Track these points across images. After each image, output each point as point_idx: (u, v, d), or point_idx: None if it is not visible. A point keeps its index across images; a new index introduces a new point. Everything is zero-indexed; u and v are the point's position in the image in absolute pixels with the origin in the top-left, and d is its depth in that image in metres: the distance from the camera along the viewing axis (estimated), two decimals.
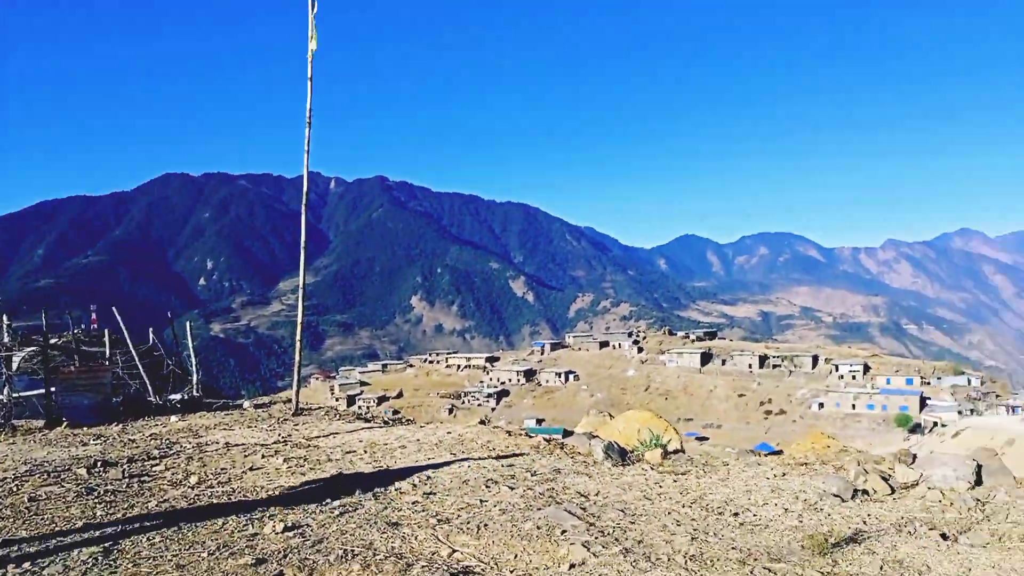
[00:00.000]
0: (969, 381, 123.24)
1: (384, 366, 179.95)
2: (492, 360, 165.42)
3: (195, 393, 14.33)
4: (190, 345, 16.10)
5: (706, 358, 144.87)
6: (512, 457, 8.13)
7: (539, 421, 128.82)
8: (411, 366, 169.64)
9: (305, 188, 12.07)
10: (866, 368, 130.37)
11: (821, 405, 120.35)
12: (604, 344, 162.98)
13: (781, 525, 5.46)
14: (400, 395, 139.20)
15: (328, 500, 6.19)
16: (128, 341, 14.61)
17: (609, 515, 5.59)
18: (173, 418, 11.54)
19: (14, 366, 12.62)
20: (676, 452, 8.57)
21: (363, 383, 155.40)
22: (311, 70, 11.95)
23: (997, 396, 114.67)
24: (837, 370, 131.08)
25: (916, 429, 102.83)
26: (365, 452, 8.45)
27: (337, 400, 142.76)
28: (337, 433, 10.04)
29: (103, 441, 9.62)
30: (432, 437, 9.34)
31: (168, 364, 14.24)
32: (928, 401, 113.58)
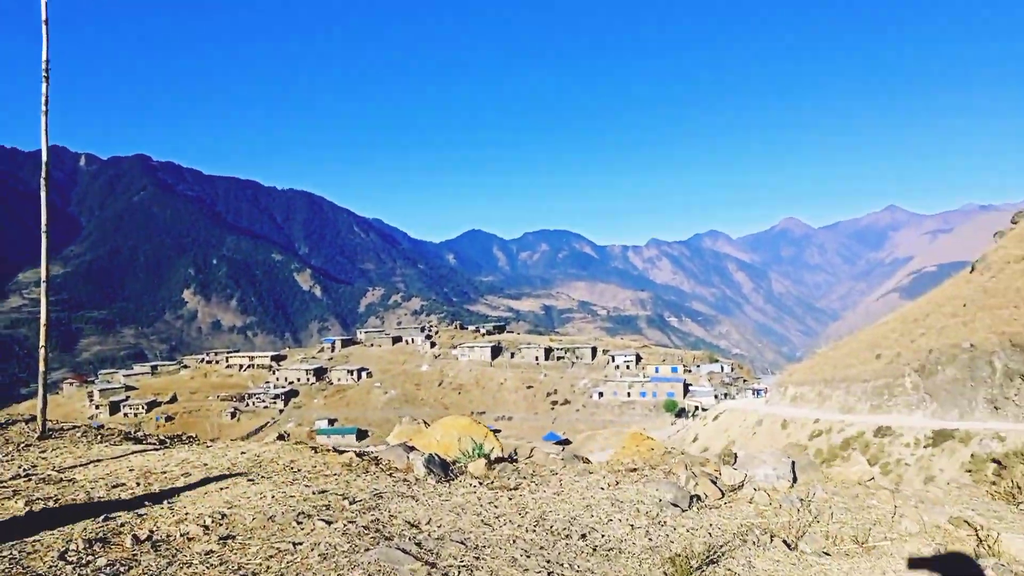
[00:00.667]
0: (722, 368, 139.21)
1: (154, 368, 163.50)
2: (278, 359, 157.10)
3: None
4: None
5: (496, 351, 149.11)
6: (322, 479, 7.14)
7: (331, 421, 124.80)
8: (186, 367, 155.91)
9: (44, 157, 9.76)
10: (638, 358, 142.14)
11: (601, 394, 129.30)
12: (397, 340, 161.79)
13: (634, 546, 5.13)
14: (174, 399, 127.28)
15: (90, 557, 4.84)
16: None
17: (449, 550, 4.89)
18: None
19: None
20: (499, 461, 8.10)
21: (129, 387, 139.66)
22: (46, 11, 9.70)
23: (744, 381, 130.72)
24: (614, 361, 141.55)
25: (681, 413, 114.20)
26: (138, 484, 6.95)
27: (98, 408, 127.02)
28: (100, 460, 8.26)
29: None
30: (222, 460, 7.98)
31: None
32: (690, 387, 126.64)
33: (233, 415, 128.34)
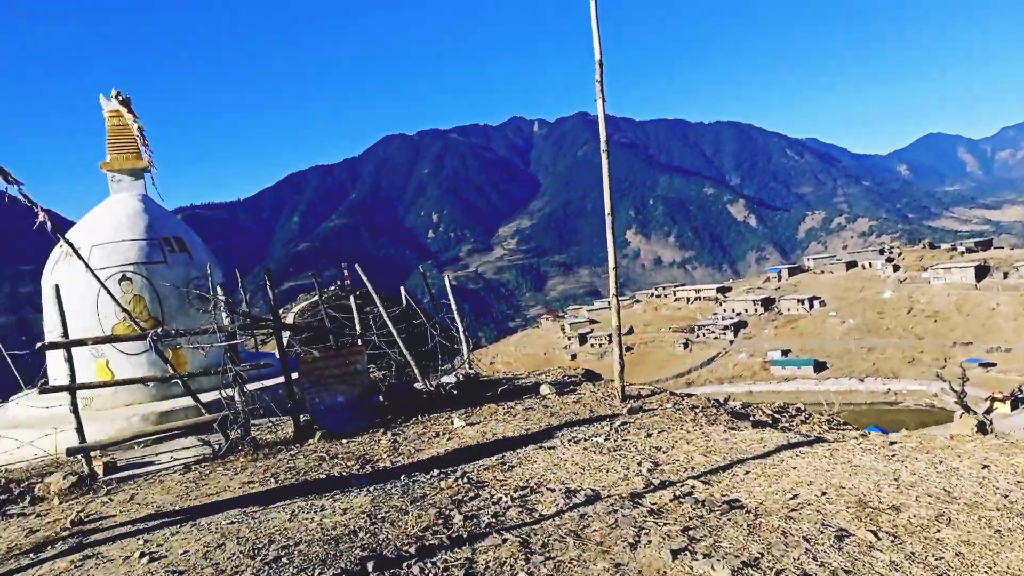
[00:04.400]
0: None
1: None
2: (724, 290, 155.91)
3: (469, 370, 10.84)
4: (452, 304, 12.64)
5: (982, 272, 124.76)
6: None
7: (784, 352, 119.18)
8: (638, 301, 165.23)
9: (603, 135, 7.69)
10: None
11: None
12: (851, 264, 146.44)
13: None
14: (631, 331, 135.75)
15: None
16: (379, 304, 11.37)
17: None
18: (457, 421, 7.97)
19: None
20: None
21: (592, 321, 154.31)
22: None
23: None
24: None
25: None
26: (871, 532, 3.94)
27: (570, 339, 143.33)
28: (742, 460, 5.61)
29: (372, 485, 6.09)
30: (967, 483, 4.58)
31: (432, 334, 10.82)
32: None
33: (685, 346, 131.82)
